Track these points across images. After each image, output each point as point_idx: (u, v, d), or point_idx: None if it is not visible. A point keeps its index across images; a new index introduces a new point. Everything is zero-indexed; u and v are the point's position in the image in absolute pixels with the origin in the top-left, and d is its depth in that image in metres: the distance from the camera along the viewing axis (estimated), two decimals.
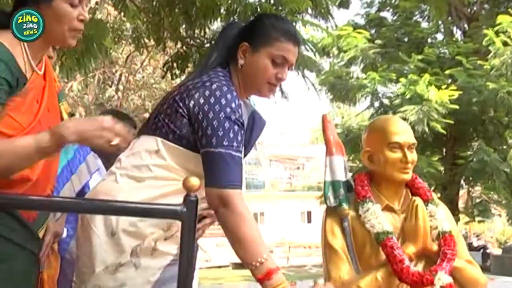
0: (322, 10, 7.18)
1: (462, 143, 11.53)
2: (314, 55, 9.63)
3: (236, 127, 1.79)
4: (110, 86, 16.62)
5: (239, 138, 1.80)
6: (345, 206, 2.34)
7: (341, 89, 11.99)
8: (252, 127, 1.95)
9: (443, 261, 2.20)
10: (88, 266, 1.82)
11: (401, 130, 2.35)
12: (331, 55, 12.55)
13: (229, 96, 1.81)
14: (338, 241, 2.31)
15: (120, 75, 16.58)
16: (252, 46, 1.92)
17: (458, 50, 11.07)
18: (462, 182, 12.04)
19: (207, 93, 1.81)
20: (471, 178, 11.50)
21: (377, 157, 2.36)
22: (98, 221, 1.81)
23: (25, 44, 1.68)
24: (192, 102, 1.81)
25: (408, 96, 10.27)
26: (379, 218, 2.26)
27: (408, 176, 2.34)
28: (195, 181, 1.67)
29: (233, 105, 1.81)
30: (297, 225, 25.61)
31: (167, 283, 1.78)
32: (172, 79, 6.38)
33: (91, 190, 1.99)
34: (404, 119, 9.63)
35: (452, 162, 11.37)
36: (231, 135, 1.78)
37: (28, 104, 1.67)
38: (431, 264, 2.23)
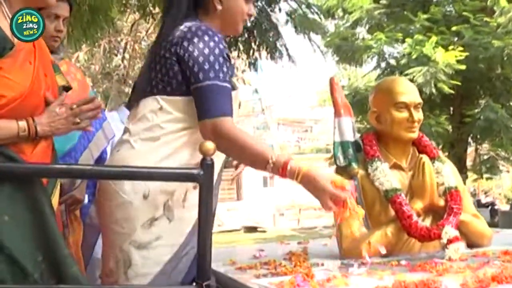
0: None
1: (469, 101, 11.49)
2: (319, 17, 9.61)
3: (221, 59, 1.87)
4: (116, 55, 16.61)
5: (225, 69, 1.87)
6: (354, 165, 2.42)
7: (347, 51, 11.92)
8: None
9: (450, 216, 2.29)
10: (124, 231, 1.88)
11: (407, 90, 2.42)
12: (336, 16, 12.46)
13: (210, 32, 1.90)
14: None
15: (126, 43, 16.54)
16: None
17: (464, 8, 10.98)
18: (469, 140, 12.06)
19: (189, 35, 1.88)
20: (478, 136, 11.51)
21: (384, 117, 2.43)
22: (126, 187, 1.87)
23: (6, 9, 1.75)
24: (178, 48, 1.88)
25: (414, 56, 10.22)
26: (388, 176, 2.35)
27: (414, 135, 2.42)
28: (210, 145, 1.75)
29: (216, 38, 1.89)
30: None
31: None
32: None
33: (110, 158, 2.03)
34: (411, 80, 9.62)
35: (460, 120, 11.35)
36: (217, 67, 1.85)
37: (20, 64, 1.73)
38: (438, 219, 2.32)
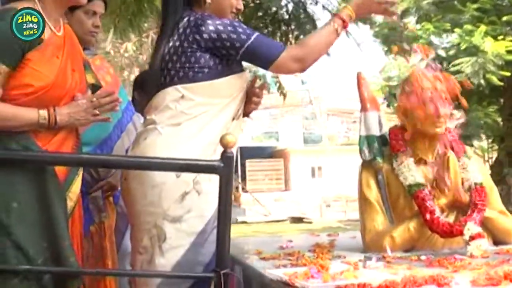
0: None
1: None
2: None
3: (237, 21, 2.11)
4: None
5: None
6: (379, 159, 2.43)
7: (395, 41, 11.75)
8: None
9: (473, 212, 2.27)
10: (158, 210, 2.00)
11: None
12: None
13: (211, 15, 2.09)
14: (373, 194, 2.41)
15: None
16: None
17: None
18: None
19: (200, 22, 2.06)
20: None
21: (411, 112, 2.42)
22: (157, 172, 1.98)
23: (39, 6, 1.85)
24: (197, 35, 2.04)
25: (463, 47, 10.01)
26: (412, 171, 2.34)
27: (441, 130, 2.40)
28: (231, 138, 1.82)
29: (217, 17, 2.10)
30: (354, 178, 25.53)
31: None
32: None
33: (134, 148, 2.12)
34: (460, 71, 9.46)
35: (510, 113, 11.07)
36: (244, 25, 2.09)
37: (47, 57, 1.85)
38: (463, 215, 2.30)
